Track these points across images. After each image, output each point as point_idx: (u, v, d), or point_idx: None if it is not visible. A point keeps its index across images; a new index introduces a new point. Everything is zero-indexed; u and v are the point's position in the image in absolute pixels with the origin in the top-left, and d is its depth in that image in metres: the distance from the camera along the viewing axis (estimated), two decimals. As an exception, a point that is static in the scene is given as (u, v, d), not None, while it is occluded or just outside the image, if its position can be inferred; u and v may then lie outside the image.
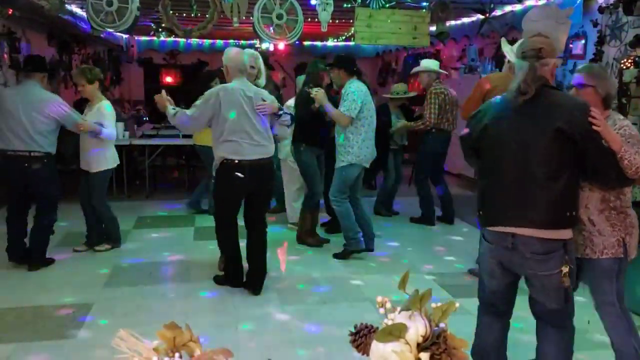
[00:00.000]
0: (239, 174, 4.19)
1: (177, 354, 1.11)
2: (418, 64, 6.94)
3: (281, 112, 4.48)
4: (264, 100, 4.31)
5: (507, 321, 2.93)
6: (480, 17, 7.43)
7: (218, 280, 4.59)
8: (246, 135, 4.19)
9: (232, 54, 4.39)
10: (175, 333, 1.13)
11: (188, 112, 4.31)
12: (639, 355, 2.78)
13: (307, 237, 5.77)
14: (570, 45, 6.43)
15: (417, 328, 1.12)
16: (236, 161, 4.19)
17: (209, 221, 6.56)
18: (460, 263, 5.25)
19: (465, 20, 8.75)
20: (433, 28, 7.27)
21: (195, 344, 1.13)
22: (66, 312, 4.06)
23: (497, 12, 7.42)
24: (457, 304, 1.19)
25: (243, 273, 4.50)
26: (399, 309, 1.20)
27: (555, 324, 2.73)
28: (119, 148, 7.57)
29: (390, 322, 1.17)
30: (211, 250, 5.09)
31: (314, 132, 5.50)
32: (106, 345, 3.49)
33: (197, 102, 4.31)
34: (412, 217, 6.88)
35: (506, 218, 2.59)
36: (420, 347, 1.12)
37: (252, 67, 4.75)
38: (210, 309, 4.15)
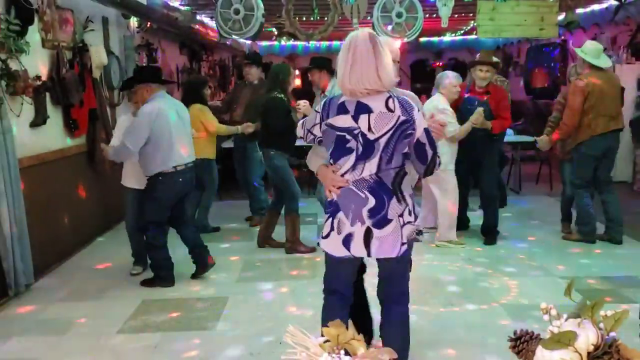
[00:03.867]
0: None
1: (342, 351, 1.17)
2: (543, 56, 6.71)
3: None
4: None
5: None
6: (614, 3, 6.98)
7: None
8: None
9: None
10: (338, 331, 1.19)
11: None
12: None
13: (299, 245, 5.52)
14: None
15: (587, 336, 1.10)
16: None
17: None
18: (595, 266, 4.98)
19: (595, 7, 8.25)
20: (561, 17, 6.94)
21: (359, 342, 1.19)
22: (205, 305, 4.33)
23: (634, -3, 6.94)
24: (630, 313, 1.15)
25: None
26: (565, 316, 1.18)
27: None
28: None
29: (555, 330, 1.15)
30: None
31: (287, 139, 5.33)
32: (243, 337, 3.72)
33: None
34: None
35: None
36: (591, 357, 1.10)
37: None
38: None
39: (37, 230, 4.77)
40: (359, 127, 2.57)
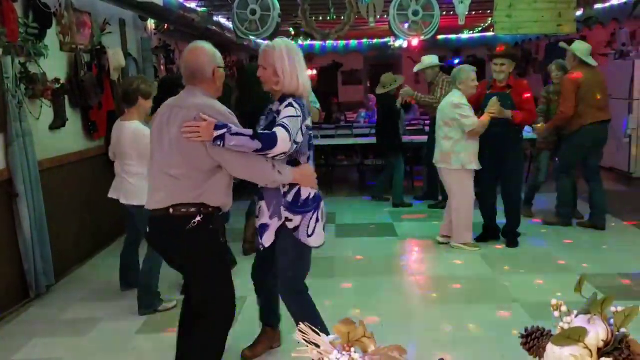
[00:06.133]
0: None
1: (352, 349, 1.17)
2: (561, 52, 6.60)
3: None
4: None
5: None
6: (633, -3, 6.90)
7: None
8: None
9: None
10: (349, 328, 1.20)
11: None
12: None
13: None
14: None
15: (597, 332, 1.09)
16: None
17: (348, 219, 6.72)
18: (614, 262, 4.91)
19: (614, 2, 8.13)
20: (579, 13, 6.86)
21: (369, 339, 1.19)
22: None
23: (654, -9, 6.83)
24: (641, 309, 1.14)
25: None
26: (575, 312, 1.17)
27: None
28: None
29: (566, 326, 1.14)
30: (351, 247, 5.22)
31: None
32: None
33: None
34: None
35: None
36: (601, 353, 1.09)
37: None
38: (353, 305, 4.25)
39: (57, 231, 4.84)
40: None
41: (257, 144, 2.60)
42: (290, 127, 2.71)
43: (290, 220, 2.90)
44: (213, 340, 2.91)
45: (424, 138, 7.50)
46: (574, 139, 5.78)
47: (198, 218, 2.66)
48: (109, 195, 4.35)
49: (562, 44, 6.08)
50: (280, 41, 2.91)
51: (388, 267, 5.05)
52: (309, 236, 2.92)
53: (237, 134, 2.58)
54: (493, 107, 5.09)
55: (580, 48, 5.77)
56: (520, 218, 5.58)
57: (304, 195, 2.90)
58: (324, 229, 3.03)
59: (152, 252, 4.20)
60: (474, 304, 4.18)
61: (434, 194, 7.26)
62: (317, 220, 2.94)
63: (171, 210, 2.66)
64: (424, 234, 5.99)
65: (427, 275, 4.86)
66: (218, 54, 2.86)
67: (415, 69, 7.24)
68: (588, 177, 5.99)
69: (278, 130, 2.67)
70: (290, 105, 2.82)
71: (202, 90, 2.78)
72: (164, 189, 2.70)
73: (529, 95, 5.33)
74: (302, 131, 2.79)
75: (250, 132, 2.63)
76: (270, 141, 2.63)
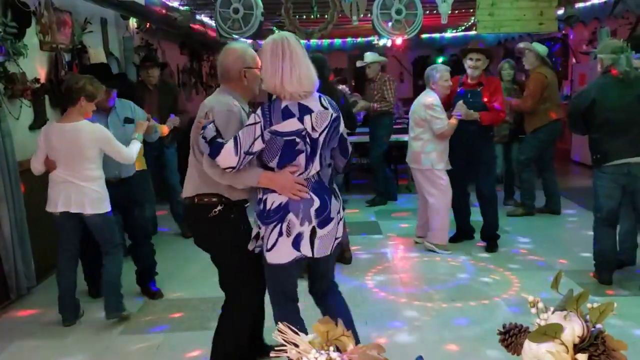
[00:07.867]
0: None
1: (331, 348, 1.17)
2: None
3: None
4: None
5: (615, 230, 4.35)
6: (612, -4, 6.98)
7: None
8: None
9: None
10: (328, 327, 1.20)
11: None
12: None
13: None
14: None
15: (573, 328, 1.10)
16: None
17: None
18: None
19: (595, 1, 8.21)
20: (560, 12, 6.91)
21: (348, 338, 1.19)
22: (208, 305, 4.33)
23: (633, -10, 6.90)
24: (615, 304, 1.15)
25: None
26: (552, 309, 1.18)
27: None
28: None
29: (542, 322, 1.15)
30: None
31: None
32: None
33: None
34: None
35: (622, 154, 4.05)
36: (577, 348, 1.10)
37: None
38: (339, 304, 4.25)
39: (38, 233, 4.78)
40: (305, 128, 2.58)
41: (207, 149, 2.63)
42: (241, 138, 2.55)
43: (259, 229, 2.76)
44: (231, 329, 3.05)
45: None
46: (541, 135, 6.28)
47: (219, 207, 2.81)
48: (60, 210, 3.85)
49: (525, 44, 6.58)
50: (275, 35, 2.67)
51: (372, 265, 5.06)
52: (267, 250, 2.70)
53: (203, 137, 2.64)
54: (459, 110, 5.05)
55: (540, 49, 6.39)
56: (497, 219, 5.40)
57: (268, 205, 2.66)
58: (296, 247, 2.67)
59: (120, 253, 4.16)
60: (457, 302, 4.20)
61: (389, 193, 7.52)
62: (280, 234, 2.64)
63: (196, 200, 2.86)
64: (408, 232, 6.00)
65: (410, 273, 4.88)
66: (249, 55, 2.85)
67: (358, 64, 7.55)
68: (543, 168, 6.57)
69: (229, 142, 2.57)
70: (254, 112, 2.64)
71: (230, 89, 2.87)
72: (192, 180, 2.88)
73: (499, 95, 5.21)
74: (262, 138, 2.55)
75: (212, 136, 2.62)
76: (216, 150, 2.58)
